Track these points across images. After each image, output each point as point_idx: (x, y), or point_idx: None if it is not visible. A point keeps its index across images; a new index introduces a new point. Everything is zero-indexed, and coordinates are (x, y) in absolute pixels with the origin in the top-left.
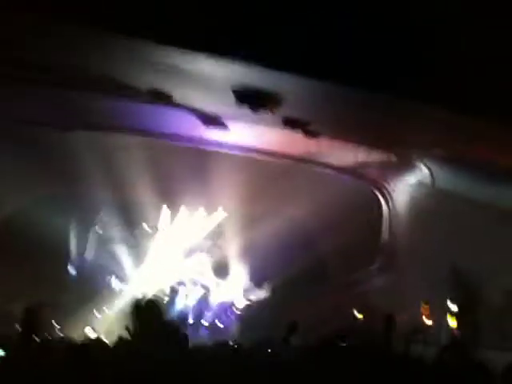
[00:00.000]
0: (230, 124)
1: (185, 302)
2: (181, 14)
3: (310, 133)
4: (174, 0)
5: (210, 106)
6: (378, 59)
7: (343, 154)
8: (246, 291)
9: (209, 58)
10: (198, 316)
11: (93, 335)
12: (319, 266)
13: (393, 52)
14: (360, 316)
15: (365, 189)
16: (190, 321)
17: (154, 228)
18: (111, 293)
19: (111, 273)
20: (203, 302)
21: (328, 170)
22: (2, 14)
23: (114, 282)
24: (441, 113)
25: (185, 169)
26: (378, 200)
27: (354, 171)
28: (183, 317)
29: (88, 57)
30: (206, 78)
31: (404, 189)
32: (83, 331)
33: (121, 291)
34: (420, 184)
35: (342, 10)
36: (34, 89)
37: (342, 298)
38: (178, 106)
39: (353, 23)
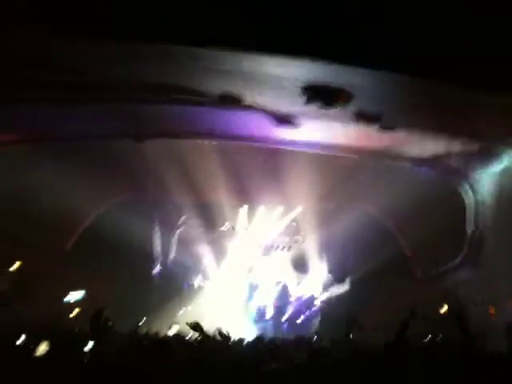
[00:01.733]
0: (302, 122)
1: (264, 299)
2: (245, 18)
3: (384, 126)
4: (238, 5)
5: (280, 105)
6: (451, 48)
7: (421, 146)
8: (326, 286)
9: (277, 59)
10: (278, 312)
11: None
12: (401, 260)
13: (465, 40)
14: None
15: (447, 180)
16: (270, 316)
17: (234, 228)
18: (194, 290)
19: (194, 272)
20: (283, 298)
21: (406, 163)
22: (73, 40)
23: (197, 281)
24: None
25: (260, 169)
26: (462, 191)
27: (433, 162)
28: (262, 313)
29: (161, 69)
30: (276, 79)
31: (488, 178)
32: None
33: (203, 289)
34: (505, 172)
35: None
36: (107, 105)
37: (427, 291)
38: (249, 107)
39: (422, 14)
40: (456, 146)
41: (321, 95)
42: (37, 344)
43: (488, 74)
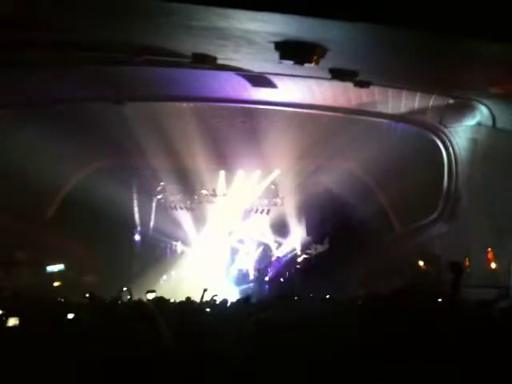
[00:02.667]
0: (278, 81)
1: (246, 261)
2: None
3: (360, 83)
4: None
5: (255, 64)
6: None
7: (398, 102)
8: (306, 246)
9: (247, 13)
10: (260, 273)
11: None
12: (380, 218)
13: None
14: (424, 265)
15: (423, 135)
16: (252, 277)
17: (214, 192)
18: (175, 256)
19: (174, 238)
20: (264, 259)
21: (383, 120)
22: None
23: (178, 246)
24: (497, 48)
25: (238, 132)
26: (438, 145)
27: (410, 118)
28: (245, 274)
29: (130, 29)
30: (248, 35)
31: (463, 133)
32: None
33: (184, 254)
34: (480, 126)
35: None
36: (82, 68)
37: (405, 247)
38: (223, 68)
39: None
40: (431, 102)
41: (294, 51)
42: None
43: (466, 21)
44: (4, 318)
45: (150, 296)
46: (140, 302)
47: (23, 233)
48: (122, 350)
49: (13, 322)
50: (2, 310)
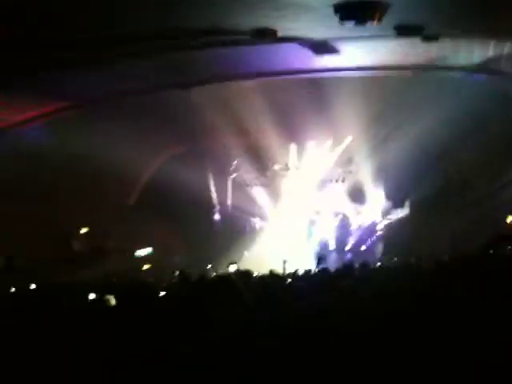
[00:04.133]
0: (341, 47)
1: (325, 232)
2: None
3: (427, 37)
4: None
5: (316, 32)
6: None
7: (470, 53)
8: (386, 212)
9: None
10: (341, 242)
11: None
12: (459, 179)
13: None
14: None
15: (499, 84)
16: (332, 247)
17: (287, 166)
18: (254, 232)
19: (252, 214)
20: (343, 229)
21: (456, 73)
22: None
23: (256, 222)
24: None
25: (304, 102)
26: None
27: (485, 68)
28: (324, 245)
29: (189, 13)
30: (305, 1)
31: None
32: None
33: (262, 229)
34: None
35: None
36: (144, 59)
37: (486, 207)
38: (283, 40)
39: None
40: (505, 48)
41: (355, 11)
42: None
43: None
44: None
45: (232, 268)
46: (225, 277)
47: (110, 221)
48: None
49: (113, 301)
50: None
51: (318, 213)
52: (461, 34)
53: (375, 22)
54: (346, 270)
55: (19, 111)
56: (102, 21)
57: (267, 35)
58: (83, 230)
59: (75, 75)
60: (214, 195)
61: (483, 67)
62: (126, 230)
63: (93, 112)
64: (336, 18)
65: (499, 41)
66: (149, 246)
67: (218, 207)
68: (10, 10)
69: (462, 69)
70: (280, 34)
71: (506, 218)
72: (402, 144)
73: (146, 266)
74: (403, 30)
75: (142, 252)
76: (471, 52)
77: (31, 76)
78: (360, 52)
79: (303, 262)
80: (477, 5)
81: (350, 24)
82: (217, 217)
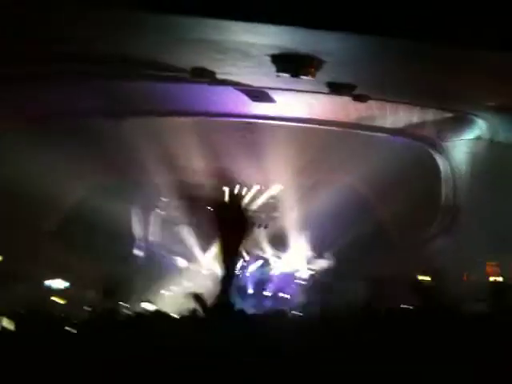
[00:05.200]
0: (276, 96)
1: (244, 274)
2: None
3: (357, 97)
4: None
5: (253, 79)
6: (424, 7)
7: (396, 116)
8: (308, 261)
9: (243, 25)
10: (259, 287)
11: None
12: (380, 231)
13: None
14: (426, 278)
15: (421, 149)
16: (250, 291)
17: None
18: (177, 272)
19: (176, 253)
20: (263, 273)
21: (381, 134)
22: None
23: (179, 261)
24: (496, 59)
25: (236, 145)
26: (436, 159)
27: (408, 132)
28: (243, 288)
29: (128, 43)
30: (244, 48)
31: (461, 146)
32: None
33: (186, 270)
34: (478, 139)
35: None
36: (82, 81)
37: (406, 261)
38: (222, 82)
39: None
40: (429, 115)
41: (290, 64)
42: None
43: (464, 30)
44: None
45: (147, 306)
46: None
47: (23, 248)
48: None
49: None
50: None
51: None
52: (389, 97)
53: (309, 77)
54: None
55: None
56: (50, 36)
57: (205, 76)
58: None
59: (10, 90)
60: (138, 230)
61: (406, 131)
62: (40, 259)
63: (19, 132)
64: (272, 68)
65: (424, 107)
66: (63, 277)
67: (141, 243)
68: None
69: (388, 131)
70: (218, 76)
71: (416, 275)
72: (329, 194)
73: (54, 298)
74: (335, 87)
75: (54, 283)
76: (397, 115)
77: None
78: (294, 103)
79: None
80: (407, 70)
81: (285, 75)
82: (139, 253)
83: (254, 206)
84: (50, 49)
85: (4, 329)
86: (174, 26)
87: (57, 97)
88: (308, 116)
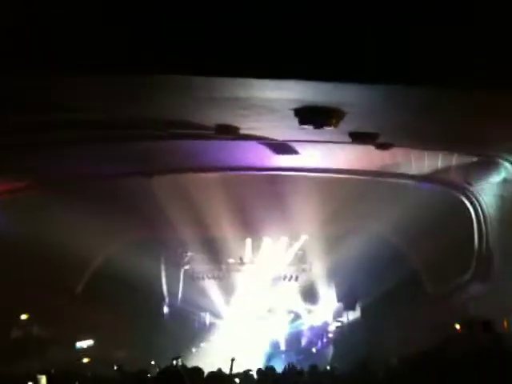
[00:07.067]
0: (300, 148)
1: (277, 330)
2: (230, 45)
3: (381, 145)
4: (220, 31)
5: (276, 132)
6: (444, 53)
7: (421, 162)
8: (337, 314)
9: (267, 82)
10: (292, 342)
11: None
12: (412, 281)
13: (459, 43)
14: (460, 327)
15: (449, 194)
16: (283, 347)
17: (242, 261)
18: (204, 327)
19: (203, 309)
20: (295, 329)
21: (407, 181)
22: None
23: (207, 317)
24: None
25: (263, 199)
26: (465, 204)
27: (435, 178)
28: (276, 345)
29: (155, 105)
30: (268, 104)
31: (490, 189)
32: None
33: (213, 325)
34: (506, 182)
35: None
36: (109, 145)
37: (439, 310)
38: (246, 137)
39: (410, 17)
40: (455, 160)
41: (313, 116)
42: None
43: (482, 76)
44: None
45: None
46: (172, 369)
47: (52, 311)
48: None
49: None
50: None
51: (269, 310)
52: (413, 144)
53: (331, 127)
54: (294, 372)
55: None
56: (75, 105)
57: (230, 132)
58: (23, 317)
59: (37, 155)
60: (164, 287)
61: (433, 177)
62: (69, 319)
63: (48, 194)
64: (295, 121)
65: (449, 152)
66: (92, 337)
67: (167, 300)
68: None
69: (414, 177)
70: (242, 131)
71: (454, 324)
72: (358, 244)
73: (85, 360)
74: (358, 137)
75: (83, 343)
76: (422, 162)
77: None
78: (317, 154)
79: (253, 360)
80: (429, 117)
81: (308, 127)
82: (166, 310)
83: (284, 257)
84: (75, 117)
85: None
86: (201, 85)
87: (83, 160)
88: (332, 166)
